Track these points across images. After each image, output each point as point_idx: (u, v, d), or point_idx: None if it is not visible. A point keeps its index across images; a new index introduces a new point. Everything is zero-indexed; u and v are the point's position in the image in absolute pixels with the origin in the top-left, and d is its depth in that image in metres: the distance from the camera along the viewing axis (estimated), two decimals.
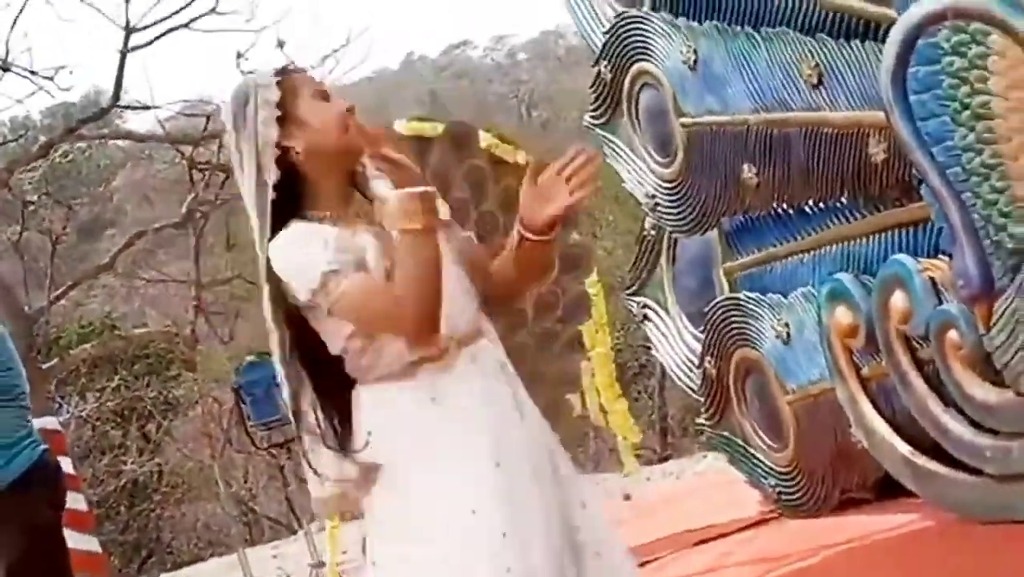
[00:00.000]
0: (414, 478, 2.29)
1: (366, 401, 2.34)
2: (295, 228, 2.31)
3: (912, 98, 3.66)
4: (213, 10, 11.30)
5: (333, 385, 2.37)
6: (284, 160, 2.33)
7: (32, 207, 16.15)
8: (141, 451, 19.78)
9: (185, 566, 16.63)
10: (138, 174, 25.18)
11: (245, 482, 20.08)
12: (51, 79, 11.70)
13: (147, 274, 20.37)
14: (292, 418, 2.40)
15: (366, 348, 2.31)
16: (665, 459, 15.95)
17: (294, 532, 18.67)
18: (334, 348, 2.33)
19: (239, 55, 11.48)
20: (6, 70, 11.94)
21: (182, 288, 18.99)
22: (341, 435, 2.35)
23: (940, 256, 3.92)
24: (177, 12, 11.50)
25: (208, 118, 12.57)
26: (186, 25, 11.49)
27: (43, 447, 3.69)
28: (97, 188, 24.70)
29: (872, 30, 4.10)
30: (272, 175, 2.32)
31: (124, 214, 26.89)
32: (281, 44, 11.32)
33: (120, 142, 22.15)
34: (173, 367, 18.86)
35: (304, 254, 2.29)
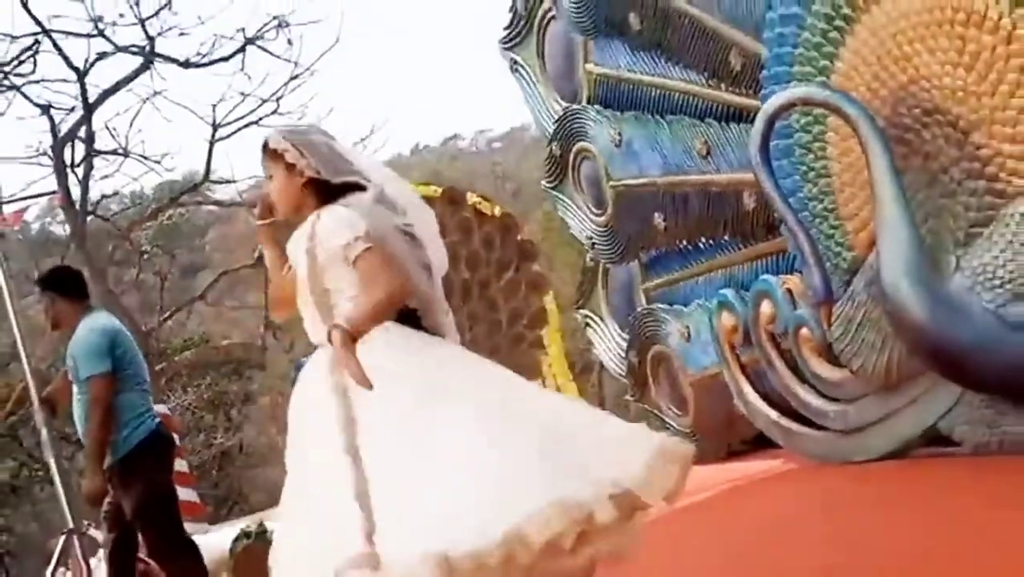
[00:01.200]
0: None
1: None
2: None
3: (773, 163, 3.68)
4: (275, 111, 11.29)
5: None
6: None
7: (146, 256, 16.04)
8: (227, 429, 19.62)
9: (255, 513, 16.49)
10: (223, 231, 25.09)
11: None
12: (159, 162, 11.69)
13: (230, 303, 20.27)
14: None
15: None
16: None
17: None
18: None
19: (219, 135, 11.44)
20: (127, 156, 11.88)
21: (256, 313, 18.90)
22: None
23: (795, 273, 3.94)
24: (251, 113, 11.47)
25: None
26: (256, 122, 11.46)
27: (158, 420, 3.65)
28: (193, 241, 24.58)
29: (744, 115, 4.14)
30: None
31: (213, 260, 26.76)
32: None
33: (211, 207, 22.09)
34: (249, 369, 18.74)
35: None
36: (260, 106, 11.39)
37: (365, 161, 2.62)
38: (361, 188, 2.53)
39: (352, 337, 2.23)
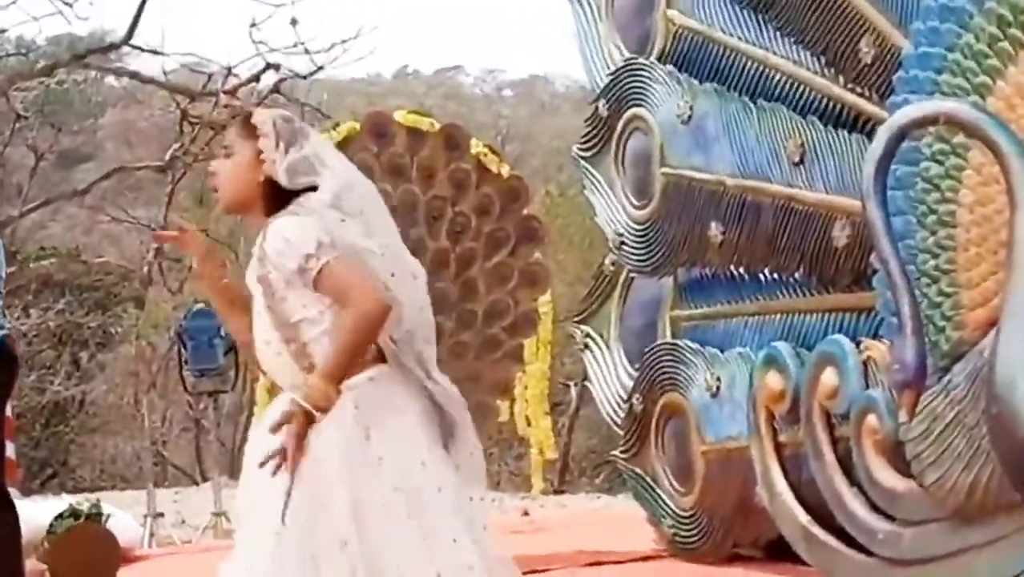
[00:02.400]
0: None
1: None
2: None
3: (887, 192, 3.68)
4: None
5: None
6: None
7: (21, 123, 15.88)
8: (69, 375, 19.45)
9: (84, 493, 16.37)
10: (126, 116, 24.85)
11: (160, 426, 19.80)
12: (71, 5, 11.53)
13: (114, 211, 20.12)
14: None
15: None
16: (560, 492, 15.94)
17: (196, 484, 18.44)
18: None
19: (253, 24, 11.38)
20: None
21: (143, 232, 18.77)
22: None
23: (879, 340, 3.95)
24: None
25: (210, 76, 12.45)
26: None
27: (4, 332, 3.64)
28: (84, 121, 24.34)
29: (861, 122, 4.14)
30: None
31: (103, 151, 26.50)
32: (294, 22, 11.26)
33: (115, 83, 21.86)
34: (119, 303, 18.60)
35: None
36: None
37: (326, 151, 2.86)
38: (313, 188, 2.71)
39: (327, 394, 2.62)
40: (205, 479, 17.51)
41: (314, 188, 2.78)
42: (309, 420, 2.60)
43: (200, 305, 8.98)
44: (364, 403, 2.68)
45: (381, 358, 2.76)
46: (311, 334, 2.71)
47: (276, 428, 2.61)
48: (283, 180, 2.76)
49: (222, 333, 8.47)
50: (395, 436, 2.69)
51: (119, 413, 20.83)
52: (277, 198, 2.79)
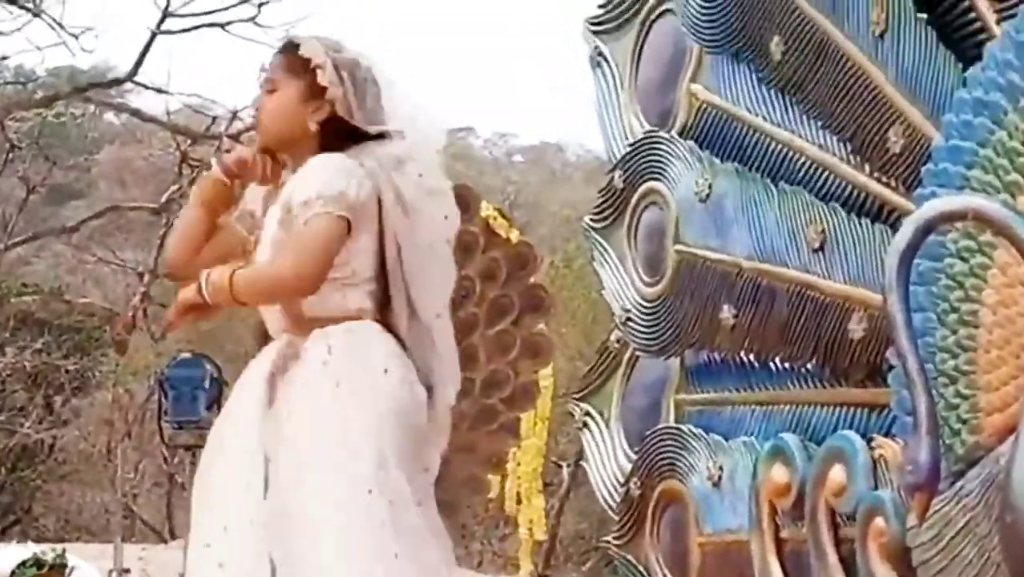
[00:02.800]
0: None
1: None
2: None
3: (909, 287, 3.71)
4: (253, 19, 11.32)
5: None
6: None
7: (13, 154, 15.98)
8: (41, 419, 19.41)
9: (47, 543, 16.25)
10: (123, 154, 25.03)
11: (132, 478, 19.73)
12: (76, 37, 11.67)
13: (101, 252, 20.19)
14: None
15: None
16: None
17: (165, 542, 18.31)
18: None
19: (263, 69, 11.47)
20: (36, 15, 11.90)
21: (129, 275, 18.82)
22: None
23: (892, 439, 3.95)
24: (218, 11, 11.52)
25: (214, 119, 12.56)
26: (223, 26, 11.51)
27: None
28: (80, 156, 24.51)
29: (886, 212, 4.19)
30: None
31: (96, 189, 26.65)
32: None
33: (114, 119, 22.02)
34: (100, 347, 18.60)
35: None
36: (233, 6, 11.46)
37: (403, 109, 2.72)
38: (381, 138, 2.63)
39: (214, 300, 2.65)
40: (174, 537, 17.40)
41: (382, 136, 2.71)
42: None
43: (185, 354, 9.01)
44: (337, 352, 2.66)
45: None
46: None
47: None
48: (359, 120, 2.67)
49: (206, 385, 8.48)
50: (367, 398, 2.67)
51: (90, 462, 20.77)
52: (337, 137, 2.71)
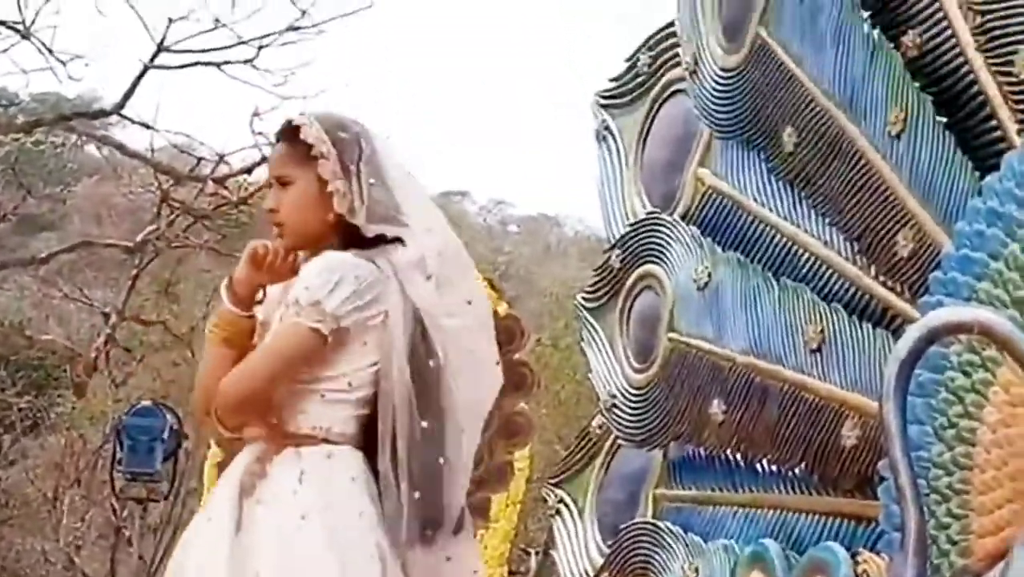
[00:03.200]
0: None
1: None
2: None
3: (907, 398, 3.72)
4: (250, 61, 11.40)
5: None
6: None
7: None
8: None
9: None
10: (101, 189, 25.02)
11: (78, 528, 19.50)
12: (64, 63, 11.71)
13: (68, 288, 20.12)
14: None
15: None
16: None
17: None
18: None
19: (256, 113, 11.54)
20: (25, 37, 11.95)
21: (95, 315, 18.74)
22: None
23: (876, 554, 3.94)
24: (215, 50, 11.59)
25: (199, 160, 12.59)
26: (218, 65, 11.57)
27: None
28: (55, 188, 24.48)
29: (888, 317, 4.21)
30: None
31: (69, 222, 26.60)
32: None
33: (95, 152, 22.07)
34: (59, 389, 18.47)
35: None
36: (231, 47, 11.53)
37: (415, 195, 2.65)
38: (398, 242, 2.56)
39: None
40: None
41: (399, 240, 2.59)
42: None
43: (146, 402, 8.96)
44: (310, 481, 2.58)
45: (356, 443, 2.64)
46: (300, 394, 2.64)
47: None
48: (360, 221, 2.57)
49: (164, 436, 8.43)
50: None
51: (33, 507, 20.52)
52: (355, 235, 2.61)
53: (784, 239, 4.67)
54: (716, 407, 4.72)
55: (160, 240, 12.84)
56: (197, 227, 12.89)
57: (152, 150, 13.12)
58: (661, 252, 5.16)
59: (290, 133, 2.65)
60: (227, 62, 11.67)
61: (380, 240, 2.62)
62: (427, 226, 2.66)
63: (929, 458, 3.77)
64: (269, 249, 2.65)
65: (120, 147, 13.01)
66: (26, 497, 20.23)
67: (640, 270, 5.26)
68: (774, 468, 4.63)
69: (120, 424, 9.08)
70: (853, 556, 4.09)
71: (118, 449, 8.94)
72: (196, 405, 2.73)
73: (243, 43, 11.40)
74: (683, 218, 5.11)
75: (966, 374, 3.75)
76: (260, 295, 2.72)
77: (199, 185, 12.39)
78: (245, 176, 12.46)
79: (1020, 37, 3.88)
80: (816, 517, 4.41)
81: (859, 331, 4.27)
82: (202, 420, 2.78)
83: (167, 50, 11.57)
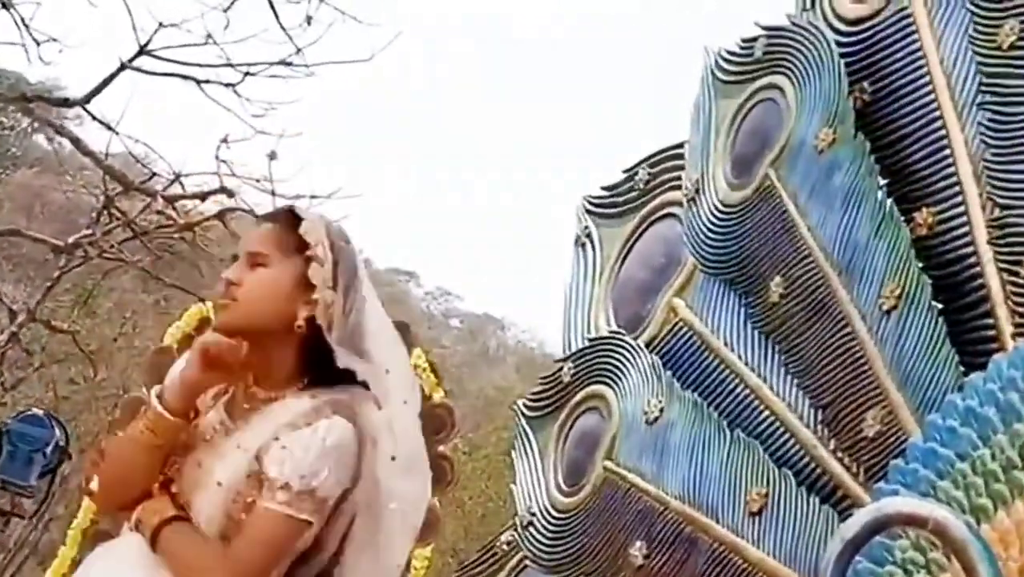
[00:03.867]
0: None
1: None
2: None
3: None
4: (232, 86, 11.33)
5: None
6: None
7: None
8: None
9: None
10: (40, 181, 24.82)
11: None
12: (39, 44, 11.59)
13: None
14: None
15: None
16: None
17: None
18: None
19: (225, 140, 11.44)
20: (4, 7, 11.86)
21: (1, 311, 18.44)
22: None
23: None
24: (199, 66, 11.52)
25: (153, 174, 12.47)
26: (198, 82, 11.50)
27: None
28: None
29: (837, 497, 4.19)
30: None
31: None
32: (273, 156, 11.26)
33: (44, 143, 21.91)
34: None
35: None
36: (218, 66, 11.48)
37: (380, 330, 2.60)
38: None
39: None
40: None
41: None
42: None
43: (38, 411, 8.74)
44: None
45: None
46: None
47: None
48: (333, 341, 2.46)
49: (47, 450, 8.21)
50: None
51: None
52: (317, 347, 2.50)
53: (746, 390, 4.66)
54: (637, 549, 4.67)
55: (92, 247, 12.64)
56: (133, 243, 12.72)
57: (107, 154, 13.01)
58: (616, 375, 5.12)
59: (287, 220, 2.55)
60: (208, 81, 11.60)
61: (343, 373, 2.51)
62: (389, 368, 2.58)
63: None
64: (222, 347, 2.48)
65: (75, 141, 12.83)
66: None
67: (590, 389, 5.22)
68: None
69: (4, 427, 8.83)
70: None
71: None
72: (106, 486, 2.59)
73: (230, 65, 11.32)
74: (647, 345, 5.09)
75: (907, 573, 3.73)
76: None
77: (146, 200, 12.23)
78: (197, 202, 12.33)
79: None
80: None
81: (804, 503, 4.24)
82: (105, 505, 2.72)
83: (149, 54, 11.48)
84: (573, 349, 5.39)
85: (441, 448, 5.63)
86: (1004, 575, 3.41)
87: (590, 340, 5.34)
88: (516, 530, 5.38)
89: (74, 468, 10.92)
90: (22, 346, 15.52)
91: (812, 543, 4.10)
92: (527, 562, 5.40)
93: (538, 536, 5.12)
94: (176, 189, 12.13)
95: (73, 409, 16.74)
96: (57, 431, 9.01)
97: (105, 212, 12.62)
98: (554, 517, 5.07)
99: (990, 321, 3.96)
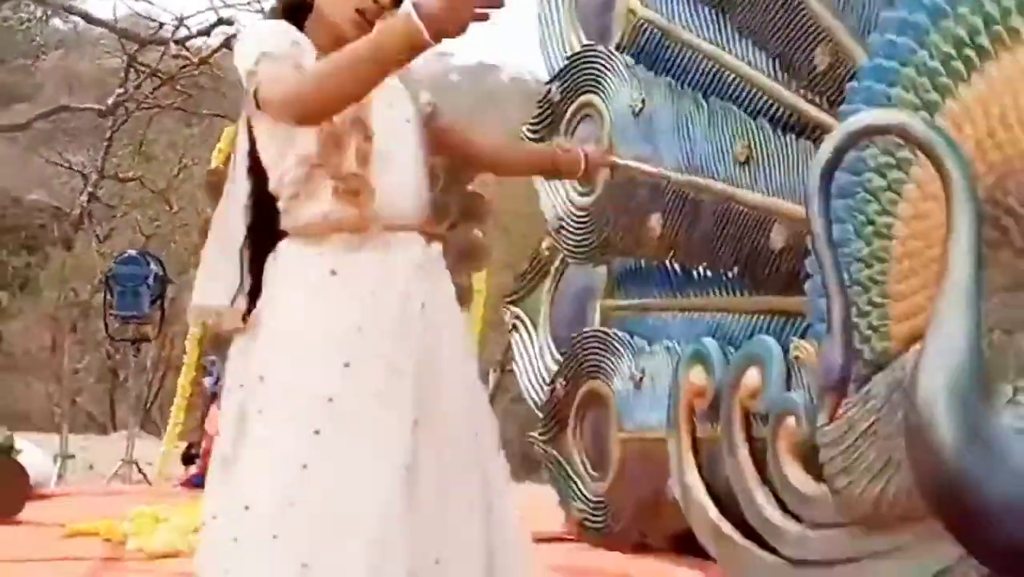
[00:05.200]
0: (297, 353, 1.95)
1: (281, 257, 2.04)
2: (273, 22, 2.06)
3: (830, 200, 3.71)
4: None
5: (265, 240, 2.07)
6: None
7: None
8: None
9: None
10: (68, 60, 24.38)
11: (76, 374, 19.50)
12: None
13: (48, 152, 19.74)
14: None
15: (298, 190, 2.01)
16: None
17: (107, 433, 18.18)
18: (272, 178, 2.02)
19: None
20: None
21: (75, 178, 18.43)
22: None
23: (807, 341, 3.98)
24: None
25: (161, 25, 12.23)
26: None
27: None
28: (27, 60, 23.81)
29: (809, 128, 4.17)
30: None
31: (42, 93, 25.96)
32: None
33: (60, 25, 21.43)
34: (49, 245, 18.28)
35: (261, 37, 1.99)
36: None
37: None
38: None
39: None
40: (116, 429, 17.27)
41: None
42: None
43: (131, 251, 8.84)
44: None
45: None
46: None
47: None
48: None
49: (149, 282, 8.34)
50: None
51: (36, 357, 20.49)
52: None
53: (711, 62, 4.60)
54: (654, 222, 4.71)
55: (130, 102, 12.53)
56: (164, 89, 12.57)
57: (116, 19, 12.75)
58: (598, 82, 5.08)
59: None
60: None
61: None
62: None
63: (850, 253, 3.76)
64: None
65: (85, 16, 12.58)
66: (27, 348, 20.18)
67: (579, 100, 5.18)
68: (709, 274, 4.64)
69: (109, 272, 8.96)
70: (784, 349, 4.12)
71: (108, 296, 8.84)
72: (311, 112, 1.90)
73: None
74: (618, 49, 5.01)
75: (882, 175, 3.73)
76: None
77: (160, 49, 12.03)
78: (205, 37, 12.12)
79: None
80: (750, 316, 4.44)
81: (783, 143, 4.24)
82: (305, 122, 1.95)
83: None
84: (555, 72, 5.32)
85: (470, 187, 5.65)
86: (965, 151, 3.42)
87: (568, 58, 5.27)
88: (551, 235, 5.45)
89: (176, 291, 11.12)
90: (102, 202, 15.58)
91: (798, 174, 4.11)
92: (568, 259, 5.49)
93: (570, 235, 5.18)
94: (183, 33, 11.92)
95: (161, 242, 16.87)
96: (152, 265, 9.15)
97: (131, 69, 12.44)
98: (578, 216, 5.11)
99: None
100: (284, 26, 2.07)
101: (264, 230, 2.08)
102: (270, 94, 1.96)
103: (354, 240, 2.01)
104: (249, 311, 2.08)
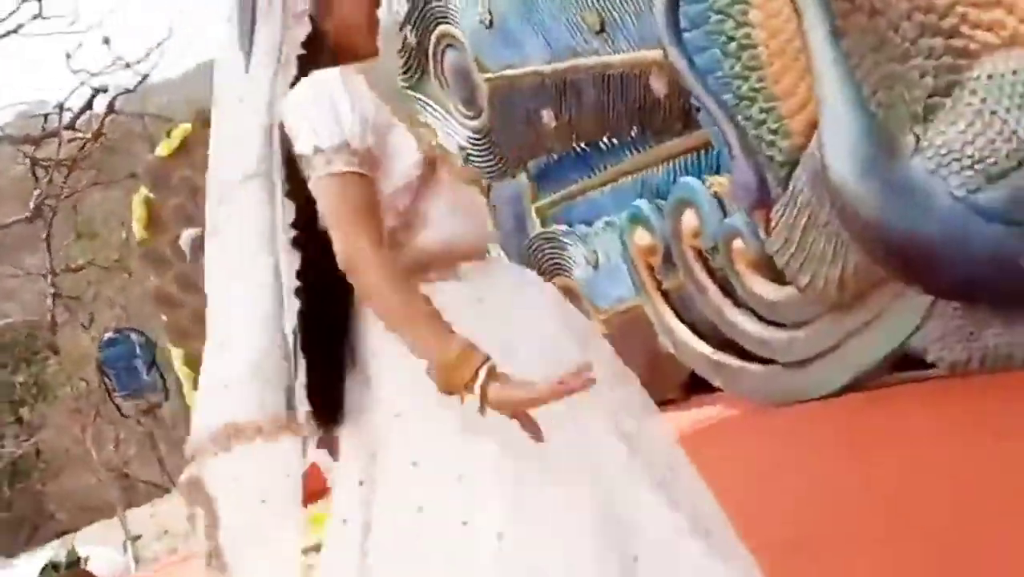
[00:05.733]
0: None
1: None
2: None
3: (685, 35, 3.65)
4: (38, 15, 10.66)
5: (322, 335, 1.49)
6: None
7: None
8: (17, 434, 19.02)
9: (68, 533, 16.10)
10: None
11: (117, 449, 19.44)
12: None
13: (4, 269, 19.45)
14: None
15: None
16: None
17: (167, 491, 18.17)
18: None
19: (68, 56, 10.90)
20: None
21: (38, 281, 18.18)
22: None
23: (722, 173, 3.94)
24: (3, 20, 10.83)
25: (46, 117, 11.94)
26: (15, 31, 10.83)
27: None
28: None
29: None
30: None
31: None
32: (107, 41, 10.75)
33: None
34: (39, 354, 18.12)
35: (307, 115, 1.42)
36: (17, 10, 10.77)
37: None
38: None
39: None
40: (175, 485, 17.25)
41: None
42: None
43: (109, 334, 8.76)
44: None
45: None
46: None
47: None
48: None
49: (138, 352, 8.27)
50: None
51: (75, 452, 20.41)
52: None
53: None
54: (546, 117, 4.65)
55: (49, 199, 12.30)
56: (75, 173, 12.33)
57: (2, 128, 12.46)
58: (444, 12, 4.97)
59: None
60: (20, 25, 10.93)
61: None
62: None
63: (725, 74, 3.71)
64: None
65: None
66: (63, 447, 20.09)
67: (434, 35, 5.08)
68: (613, 142, 4.59)
69: (99, 361, 8.89)
70: (704, 183, 4.09)
71: (107, 381, 8.79)
72: None
73: (25, 0, 10.64)
74: None
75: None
76: None
77: (56, 138, 11.76)
78: (88, 111, 11.83)
79: None
80: (665, 164, 4.40)
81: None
82: None
83: None
84: (401, 17, 5.21)
85: None
86: None
87: (408, 1, 5.15)
88: (462, 163, 5.37)
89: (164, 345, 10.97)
90: (66, 296, 15.40)
91: (652, 23, 3.99)
92: (486, 181, 5.42)
93: (478, 159, 5.11)
94: (68, 116, 11.66)
95: (140, 306, 16.67)
96: (134, 336, 9.08)
97: (36, 168, 12.20)
98: (477, 140, 5.04)
99: None
100: (325, 91, 1.45)
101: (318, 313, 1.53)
102: (327, 217, 1.35)
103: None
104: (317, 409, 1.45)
